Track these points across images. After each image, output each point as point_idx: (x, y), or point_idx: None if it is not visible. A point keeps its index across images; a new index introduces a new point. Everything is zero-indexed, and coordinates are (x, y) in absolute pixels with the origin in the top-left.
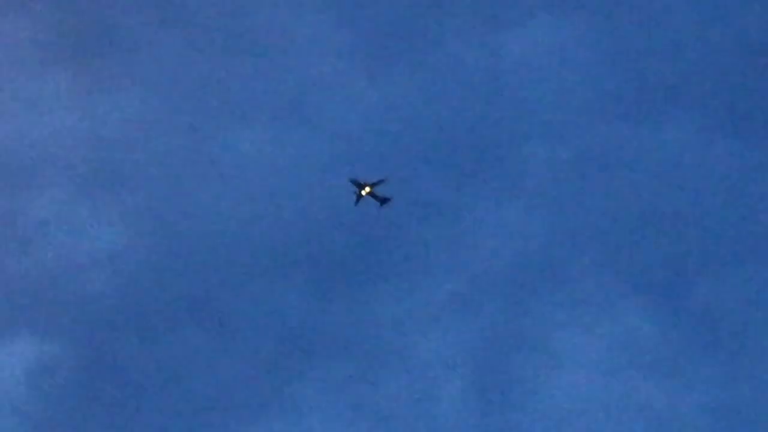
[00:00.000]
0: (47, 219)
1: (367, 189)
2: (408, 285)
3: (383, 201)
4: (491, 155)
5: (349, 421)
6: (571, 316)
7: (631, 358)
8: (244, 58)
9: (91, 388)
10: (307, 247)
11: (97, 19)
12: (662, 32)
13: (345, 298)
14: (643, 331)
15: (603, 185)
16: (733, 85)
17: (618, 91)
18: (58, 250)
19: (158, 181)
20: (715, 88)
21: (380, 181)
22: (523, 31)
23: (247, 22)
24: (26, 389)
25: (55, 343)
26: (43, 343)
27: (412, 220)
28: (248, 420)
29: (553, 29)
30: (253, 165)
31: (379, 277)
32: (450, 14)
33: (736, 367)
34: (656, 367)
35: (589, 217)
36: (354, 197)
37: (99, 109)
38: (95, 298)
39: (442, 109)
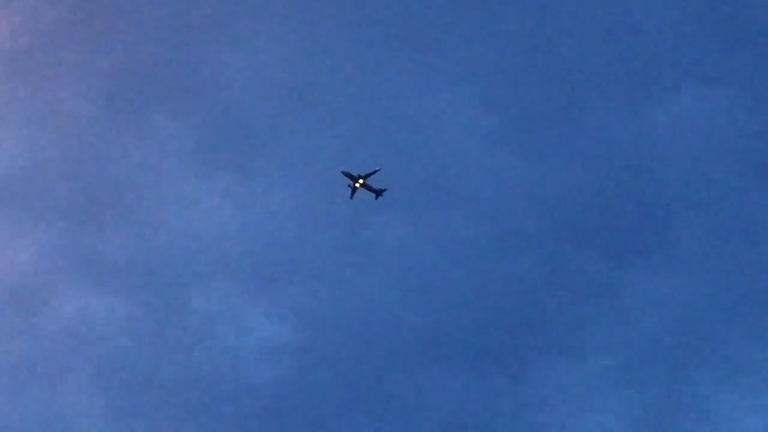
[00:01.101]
0: (213, 314)
1: (361, 181)
2: (567, 361)
3: (378, 193)
4: (644, 229)
5: None
6: (730, 384)
7: None
8: (394, 143)
9: None
10: (463, 330)
11: (251, 121)
12: None
13: (505, 377)
14: None
15: (757, 254)
16: None
17: None
18: (223, 343)
19: (317, 274)
20: None
21: (374, 172)
22: (671, 103)
23: (396, 109)
24: None
25: None
26: None
27: (568, 296)
28: None
29: (701, 100)
30: (408, 251)
31: (540, 355)
32: (595, 88)
33: None
34: None
35: (745, 285)
36: (349, 191)
37: (258, 206)
38: (261, 389)
39: (593, 184)
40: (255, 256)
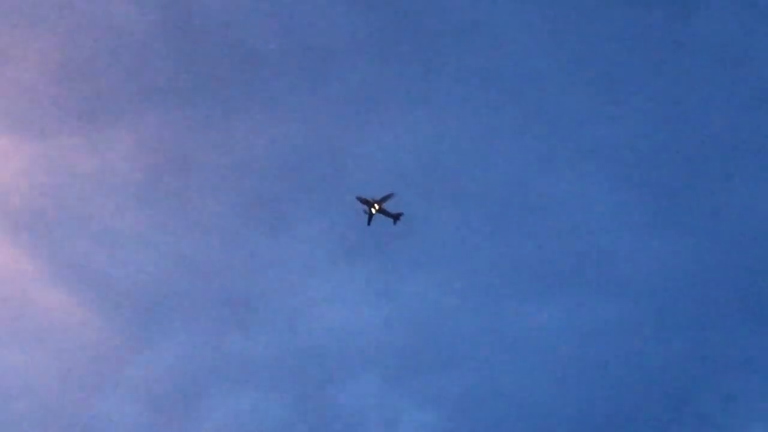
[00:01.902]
0: (362, 408)
1: (376, 206)
2: None
3: (396, 217)
4: None
5: None
6: None
7: None
8: (530, 225)
9: None
10: (618, 409)
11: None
12: None
13: None
14: None
15: None
16: None
17: None
18: None
19: (465, 361)
20: None
21: (388, 197)
22: None
23: (528, 190)
24: None
25: None
26: None
27: (721, 370)
28: None
29: None
30: (553, 333)
31: (694, 430)
32: (740, 158)
33: None
34: None
35: None
36: (365, 217)
37: (400, 296)
38: None
39: (740, 256)
40: (400, 346)
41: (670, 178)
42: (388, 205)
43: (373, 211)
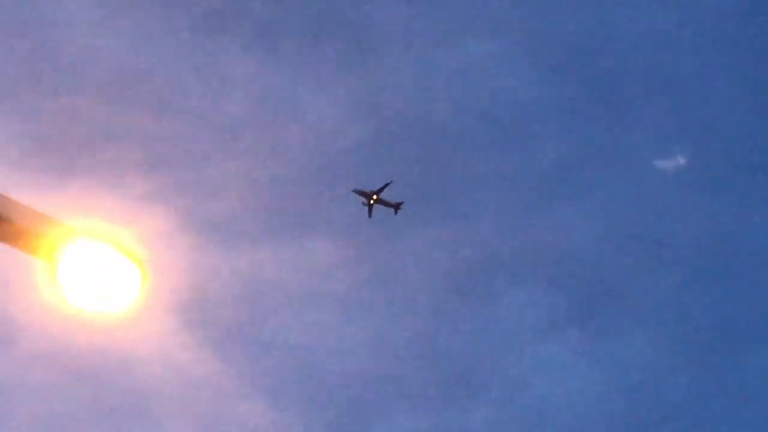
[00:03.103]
0: None
1: (375, 197)
2: None
3: (396, 207)
4: None
5: None
6: None
7: None
8: (746, 283)
9: None
10: None
11: (599, 274)
12: None
13: None
14: None
15: None
16: None
17: None
18: None
19: (688, 420)
20: None
21: (386, 186)
22: None
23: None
24: None
25: None
26: None
27: None
28: None
29: None
30: None
31: None
32: None
33: None
34: None
35: None
36: (366, 211)
37: (612, 361)
38: None
39: None
40: (620, 410)
41: None
42: (386, 195)
43: (372, 202)
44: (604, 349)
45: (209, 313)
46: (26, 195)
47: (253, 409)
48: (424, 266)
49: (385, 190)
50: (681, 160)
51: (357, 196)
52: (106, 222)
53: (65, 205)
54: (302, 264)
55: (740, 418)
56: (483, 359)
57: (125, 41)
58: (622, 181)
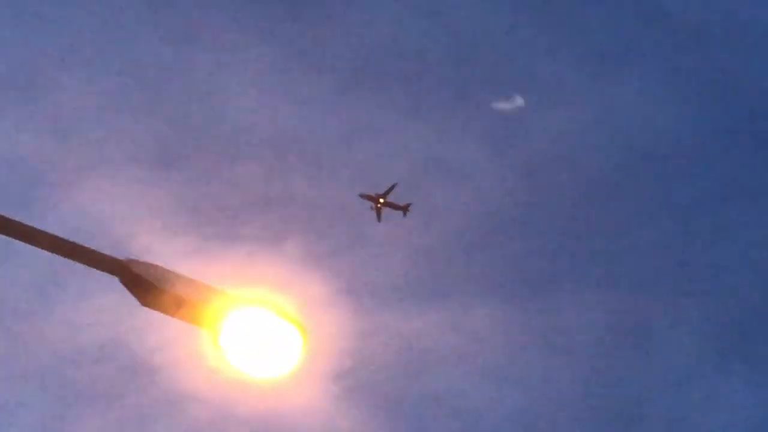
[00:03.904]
0: None
1: (382, 200)
2: None
3: (405, 209)
4: None
5: None
6: None
7: None
8: None
9: None
10: None
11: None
12: None
13: None
14: None
15: None
16: None
17: None
18: None
19: None
20: None
21: (392, 188)
22: None
23: None
24: None
25: None
26: None
27: None
28: None
29: None
30: None
31: None
32: None
33: None
34: None
35: None
36: (374, 215)
37: None
38: None
39: None
40: None
41: None
42: (393, 197)
43: (379, 206)
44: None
45: (369, 378)
46: (189, 263)
47: None
48: (584, 325)
49: (391, 192)
50: None
51: (363, 200)
52: (267, 288)
53: (227, 271)
54: (463, 328)
55: None
56: (651, 398)
57: (282, 109)
58: None
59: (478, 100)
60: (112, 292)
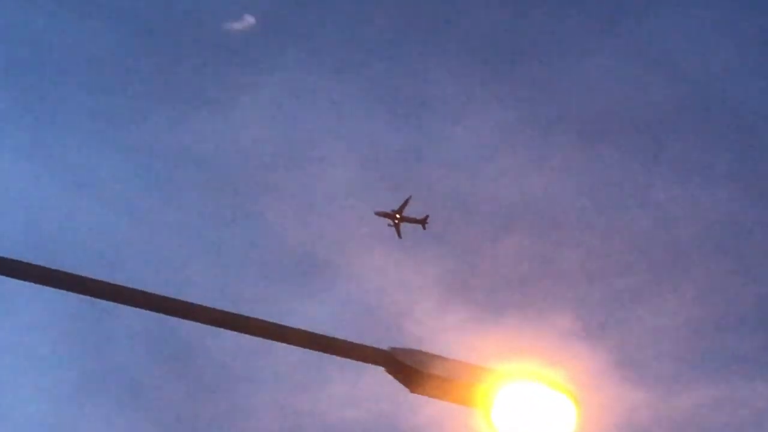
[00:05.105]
0: None
1: (398, 216)
2: None
3: (423, 222)
4: None
5: None
6: None
7: None
8: None
9: None
10: None
11: None
12: None
13: None
14: None
15: None
16: None
17: None
18: None
19: None
20: None
21: (406, 202)
22: None
23: None
24: None
25: None
26: None
27: None
28: None
29: None
30: None
31: None
32: None
33: None
34: None
35: None
36: (394, 232)
37: None
38: None
39: None
40: None
41: None
42: (408, 211)
43: (397, 221)
44: None
45: None
46: (458, 337)
47: None
48: None
49: (407, 206)
50: None
51: (380, 218)
52: (535, 362)
53: (495, 345)
54: (746, 407)
55: None
56: None
57: (527, 175)
58: None
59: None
60: (378, 373)
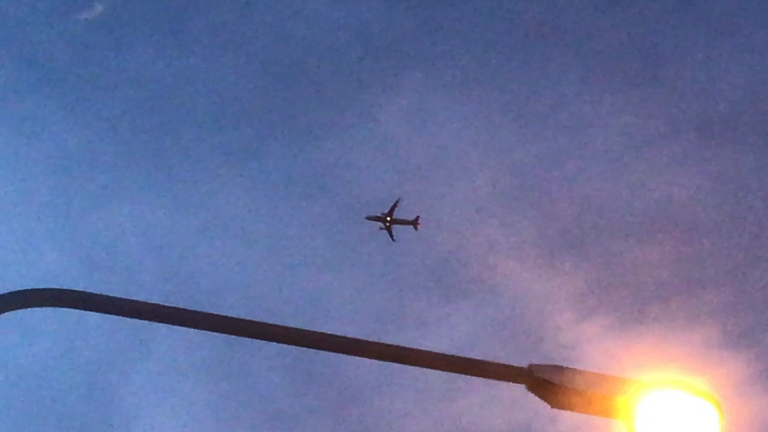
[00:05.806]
0: None
1: (389, 219)
2: None
3: (414, 223)
4: None
5: None
6: None
7: None
8: None
9: None
10: None
11: None
12: None
13: None
14: None
15: None
16: None
17: None
18: None
19: None
20: None
21: (395, 204)
22: None
23: None
24: None
25: None
26: None
27: None
28: None
29: None
30: None
31: None
32: None
33: None
34: None
35: None
36: (387, 236)
37: None
38: None
39: None
40: None
41: None
42: (398, 213)
43: (388, 224)
44: None
45: None
46: (601, 346)
47: None
48: None
49: (396, 209)
50: None
51: (372, 222)
52: (675, 371)
53: (638, 354)
54: None
55: None
56: None
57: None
58: None
59: None
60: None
